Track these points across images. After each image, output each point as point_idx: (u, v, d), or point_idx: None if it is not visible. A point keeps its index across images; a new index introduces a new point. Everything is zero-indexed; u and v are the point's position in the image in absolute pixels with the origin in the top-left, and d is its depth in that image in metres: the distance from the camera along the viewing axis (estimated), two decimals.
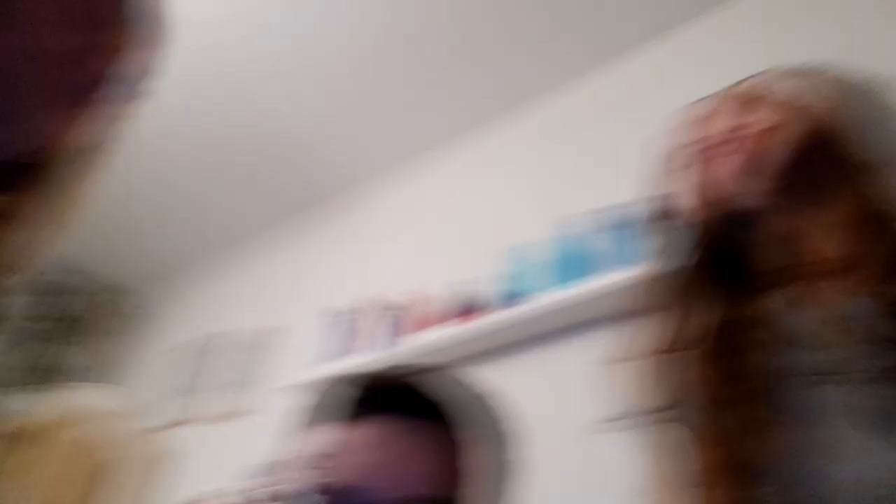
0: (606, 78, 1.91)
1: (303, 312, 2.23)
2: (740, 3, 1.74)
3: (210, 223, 2.64)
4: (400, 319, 1.81)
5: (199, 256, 2.80)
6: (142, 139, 2.21)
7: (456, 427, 0.63)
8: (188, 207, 2.57)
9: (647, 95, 1.74)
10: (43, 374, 2.56)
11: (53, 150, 0.51)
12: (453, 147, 2.21)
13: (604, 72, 1.93)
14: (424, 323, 1.73)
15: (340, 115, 2.15)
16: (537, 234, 1.70)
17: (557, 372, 1.50)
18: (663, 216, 0.82)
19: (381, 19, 1.86)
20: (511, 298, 1.59)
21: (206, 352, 2.49)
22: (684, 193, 0.78)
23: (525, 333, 1.56)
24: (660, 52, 1.83)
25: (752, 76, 0.81)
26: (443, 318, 1.70)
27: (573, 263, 1.54)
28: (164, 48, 0.57)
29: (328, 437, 0.61)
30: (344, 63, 1.99)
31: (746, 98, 0.75)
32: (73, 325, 2.73)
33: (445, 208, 2.10)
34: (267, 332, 2.33)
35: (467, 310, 1.67)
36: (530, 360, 1.56)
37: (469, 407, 0.65)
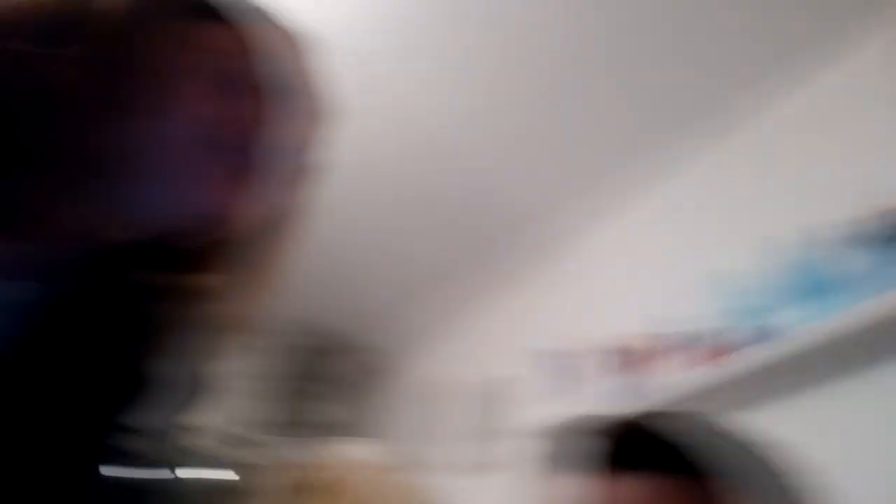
0: (825, 82, 1.68)
1: (531, 358, 2.22)
2: None
3: (437, 279, 2.73)
4: (626, 360, 1.71)
5: (435, 310, 2.90)
6: (366, 206, 2.39)
7: (728, 484, 0.56)
8: (415, 268, 2.69)
9: (877, 91, 1.49)
10: (301, 429, 2.79)
11: (232, 224, 0.51)
12: (655, 178, 2.09)
13: (825, 73, 1.69)
14: (653, 362, 1.63)
15: (538, 160, 2.15)
16: (755, 260, 1.53)
17: (848, 415, 1.29)
18: None
19: (561, 53, 1.81)
20: (756, 332, 1.42)
21: (447, 401, 2.58)
22: None
23: (788, 371, 1.38)
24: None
25: None
26: (670, 355, 1.58)
27: (819, 287, 1.34)
28: (336, 116, 0.58)
29: (584, 488, 0.58)
30: (532, 109, 1.98)
31: None
32: (325, 381, 2.95)
33: (654, 242, 1.99)
34: (500, 379, 2.35)
35: (706, 349, 1.53)
36: (803, 401, 1.37)
37: (740, 460, 0.58)
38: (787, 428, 1.02)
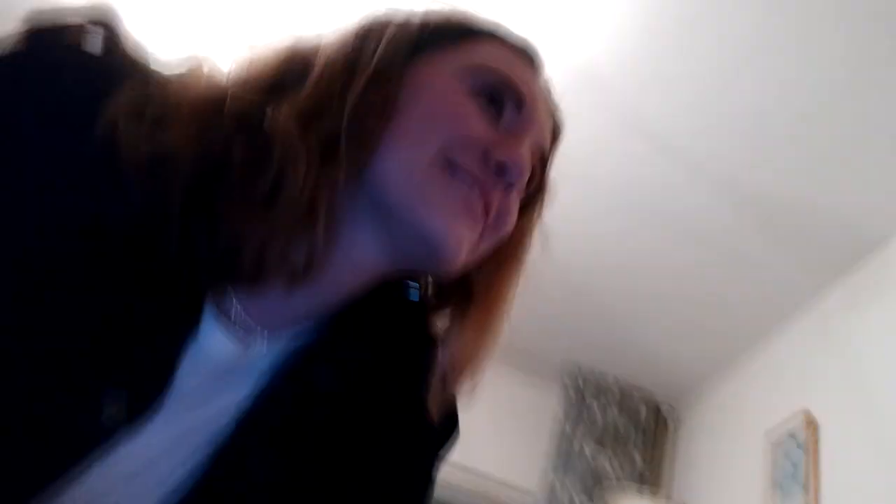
0: None
1: (843, 399, 1.93)
2: None
3: (728, 320, 2.49)
4: None
5: (724, 357, 2.67)
6: (640, 246, 2.26)
7: None
8: (704, 308, 2.48)
9: None
10: (582, 478, 2.70)
11: (470, 263, 0.51)
12: None
13: None
14: None
15: (844, 166, 1.85)
16: None
17: None
18: None
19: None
20: None
21: (740, 449, 2.35)
22: None
23: None
24: None
25: None
26: None
27: None
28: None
29: None
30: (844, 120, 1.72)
31: None
32: (608, 430, 2.85)
33: None
34: (806, 423, 2.05)
35: None
36: None
37: None
38: None
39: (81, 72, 0.42)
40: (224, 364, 0.47)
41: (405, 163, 0.46)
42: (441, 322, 0.57)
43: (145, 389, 0.42)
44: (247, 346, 0.47)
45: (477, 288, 0.55)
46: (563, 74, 1.77)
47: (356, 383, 0.52)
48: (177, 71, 0.47)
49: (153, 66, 0.47)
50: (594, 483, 2.68)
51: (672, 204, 2.11)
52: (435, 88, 0.49)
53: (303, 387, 0.50)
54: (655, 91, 1.83)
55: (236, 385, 0.48)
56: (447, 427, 0.57)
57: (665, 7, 1.63)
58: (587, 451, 2.76)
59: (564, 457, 2.76)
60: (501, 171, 0.48)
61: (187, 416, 0.46)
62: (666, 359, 2.77)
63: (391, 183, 0.46)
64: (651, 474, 2.80)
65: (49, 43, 0.42)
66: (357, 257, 0.48)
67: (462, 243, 0.47)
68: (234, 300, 0.46)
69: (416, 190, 0.46)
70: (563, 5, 1.70)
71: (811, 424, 2.00)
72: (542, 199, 0.59)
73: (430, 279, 0.57)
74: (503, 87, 0.51)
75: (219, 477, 0.47)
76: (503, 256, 0.55)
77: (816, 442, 1.96)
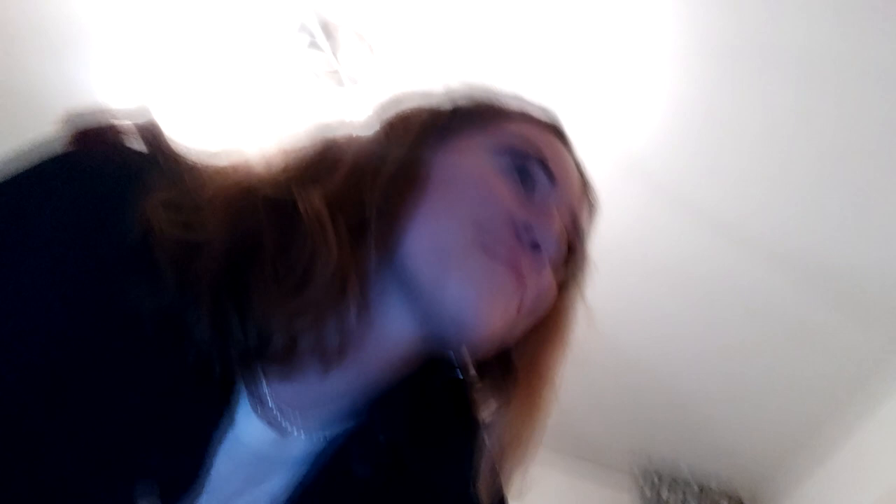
0: None
1: None
2: None
3: (806, 403, 2.34)
4: None
5: (805, 444, 2.49)
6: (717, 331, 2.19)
7: None
8: (778, 392, 2.34)
9: None
10: None
11: (511, 340, 0.50)
12: None
13: None
14: None
15: None
16: None
17: None
18: None
19: None
20: None
21: None
22: None
23: None
24: None
25: None
26: None
27: None
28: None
29: None
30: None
31: None
32: None
33: None
34: None
35: None
36: None
37: None
38: None
39: (124, 168, 0.44)
40: (260, 451, 0.46)
41: (436, 240, 0.46)
42: (487, 405, 0.55)
43: (178, 480, 0.41)
44: (283, 432, 0.47)
45: (520, 367, 0.54)
46: (612, 163, 1.82)
47: (397, 471, 0.50)
48: (215, 163, 0.48)
49: (192, 160, 0.48)
50: None
51: (731, 282, 2.04)
52: (464, 167, 0.49)
53: (341, 476, 0.48)
54: (705, 175, 1.81)
55: (274, 473, 0.47)
56: None
57: (708, 92, 1.64)
58: None
59: None
60: (536, 244, 0.48)
61: None
62: (745, 450, 2.59)
63: (421, 261, 0.46)
64: None
65: (95, 142, 0.45)
66: (391, 338, 0.47)
67: (494, 320, 0.46)
68: (266, 385, 0.45)
69: (447, 267, 0.45)
70: (609, 98, 1.73)
71: None
72: (583, 275, 0.57)
73: (471, 359, 0.55)
74: (534, 163, 0.51)
75: None
76: (545, 333, 0.54)
77: None
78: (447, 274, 0.45)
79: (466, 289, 0.45)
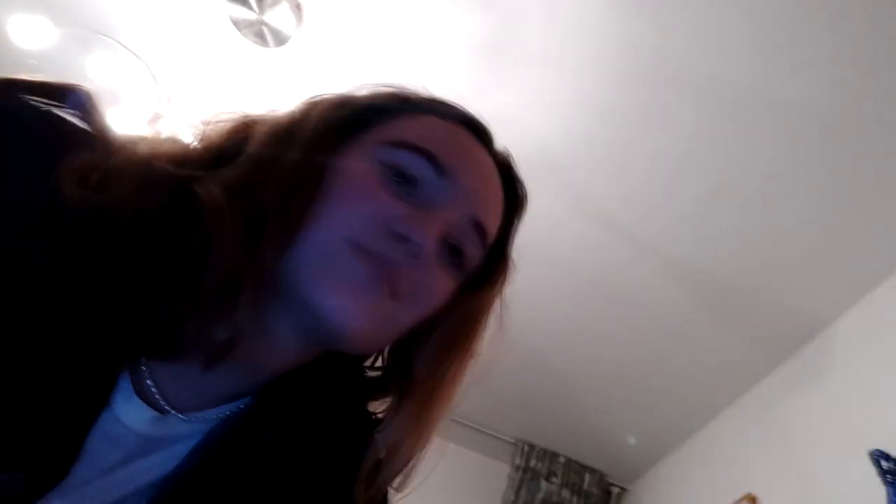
0: None
1: (784, 482, 1.96)
2: None
3: (677, 400, 2.52)
4: None
5: (671, 436, 2.69)
6: (589, 321, 2.30)
7: None
8: (653, 388, 2.51)
9: None
10: None
11: (395, 341, 0.51)
12: None
13: None
14: None
15: (791, 253, 1.93)
16: None
17: None
18: None
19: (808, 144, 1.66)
20: None
21: None
22: None
23: None
24: None
25: None
26: None
27: None
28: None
29: None
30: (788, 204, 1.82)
31: None
32: None
33: None
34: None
35: None
36: None
37: None
38: None
39: (50, 128, 0.44)
40: (140, 431, 0.45)
41: (311, 246, 0.46)
42: (383, 403, 0.54)
43: (48, 467, 0.40)
44: (164, 413, 0.46)
45: (417, 369, 0.53)
46: (516, 154, 1.85)
47: (278, 461, 0.50)
48: (133, 136, 0.48)
49: (117, 137, 0.48)
50: None
51: (623, 285, 2.17)
52: (347, 170, 0.49)
53: (221, 461, 0.48)
54: (607, 174, 1.90)
55: (153, 452, 0.46)
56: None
57: (618, 97, 1.72)
58: None
59: None
60: (405, 242, 0.47)
61: (99, 489, 0.44)
62: (617, 439, 2.78)
63: (299, 265, 0.45)
64: None
65: (26, 98, 0.44)
66: (281, 336, 0.47)
67: (358, 321, 0.45)
68: (147, 367, 0.45)
69: (316, 271, 0.45)
70: (518, 87, 1.77)
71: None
72: (495, 277, 0.56)
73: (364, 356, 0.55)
74: (420, 160, 0.50)
75: None
76: (447, 338, 0.53)
77: None
78: (313, 277, 0.45)
79: (327, 291, 0.45)
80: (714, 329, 2.19)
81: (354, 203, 0.47)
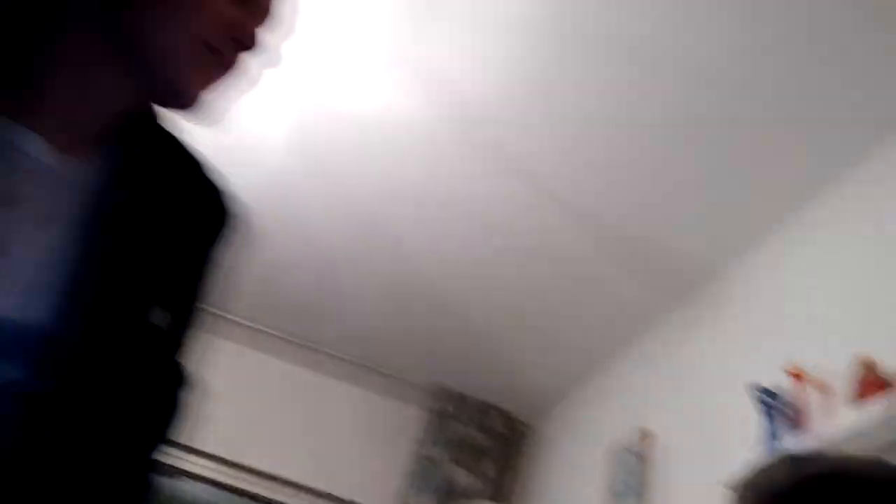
0: None
1: (678, 417, 2.06)
2: None
3: (578, 341, 2.62)
4: (801, 407, 1.50)
5: (573, 375, 2.77)
6: (499, 263, 2.34)
7: None
8: (556, 329, 2.59)
9: None
10: (439, 494, 2.74)
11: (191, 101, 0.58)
12: (815, 203, 1.86)
13: None
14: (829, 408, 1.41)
15: (686, 202, 2.02)
16: None
17: None
18: None
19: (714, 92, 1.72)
20: None
21: (592, 463, 2.44)
22: None
23: None
24: None
25: None
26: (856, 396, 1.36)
27: None
28: None
29: None
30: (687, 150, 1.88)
31: None
32: (464, 446, 2.89)
33: (820, 275, 1.77)
34: (651, 439, 2.17)
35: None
36: None
37: None
38: None
39: None
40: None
41: (170, 37, 0.54)
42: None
43: None
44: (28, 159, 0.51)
45: None
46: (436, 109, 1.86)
47: (147, 192, 0.58)
48: None
49: None
50: (448, 499, 2.71)
51: (529, 232, 2.22)
52: None
53: (94, 197, 0.54)
54: (521, 129, 1.94)
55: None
56: (218, 214, 0.64)
57: (531, 52, 1.73)
58: (445, 468, 2.81)
59: (421, 475, 2.79)
60: (246, 47, 0.58)
61: None
62: (524, 377, 2.88)
63: (158, 49, 0.54)
64: (505, 489, 2.89)
65: None
66: (102, 92, 0.55)
67: (202, 98, 0.57)
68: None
69: (179, 62, 0.55)
70: (442, 41, 1.76)
71: (647, 439, 2.14)
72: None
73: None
74: None
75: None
76: None
77: (651, 455, 2.12)
78: (178, 67, 0.55)
79: (188, 81, 0.56)
80: (615, 273, 2.28)
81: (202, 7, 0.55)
